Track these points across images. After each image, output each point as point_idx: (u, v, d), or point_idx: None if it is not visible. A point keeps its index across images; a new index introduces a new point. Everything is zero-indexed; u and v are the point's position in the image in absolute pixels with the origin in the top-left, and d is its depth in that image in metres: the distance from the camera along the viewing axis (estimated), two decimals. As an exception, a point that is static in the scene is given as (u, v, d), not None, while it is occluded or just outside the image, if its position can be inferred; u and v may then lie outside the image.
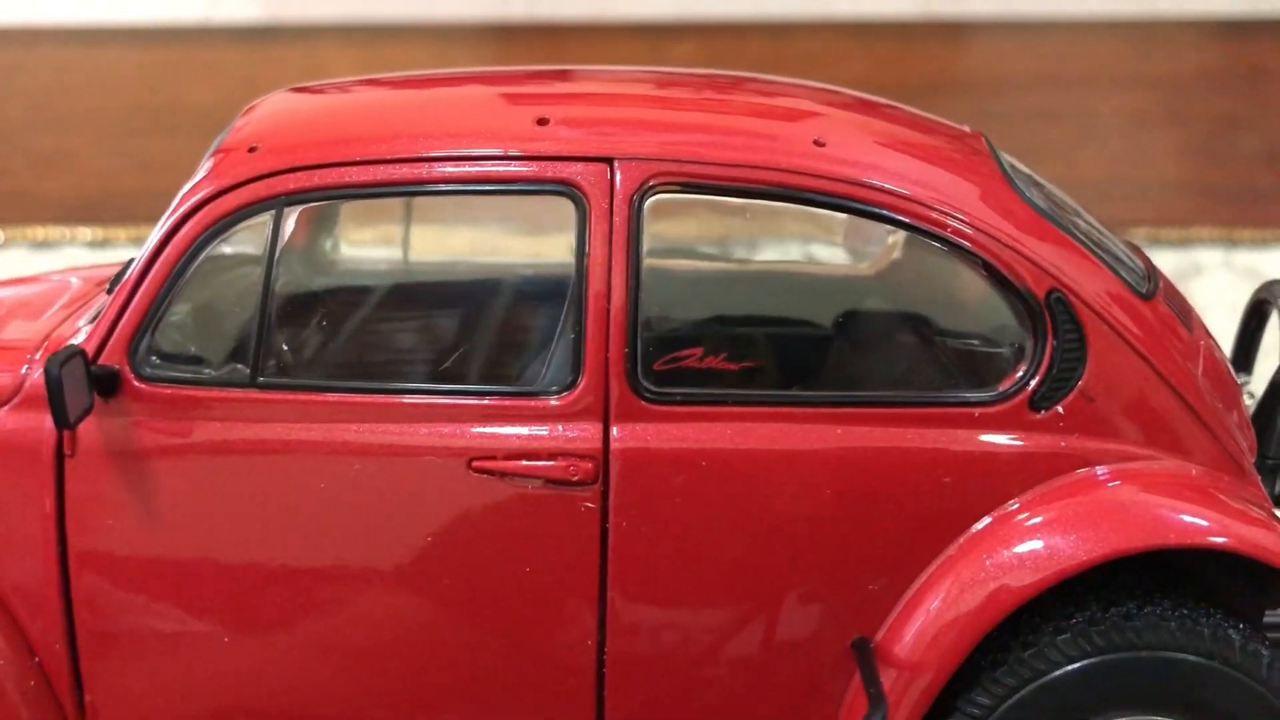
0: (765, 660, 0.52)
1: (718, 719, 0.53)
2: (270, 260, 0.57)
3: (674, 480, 0.53)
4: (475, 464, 0.54)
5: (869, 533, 0.52)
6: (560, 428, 0.53)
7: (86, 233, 1.58)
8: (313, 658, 0.57)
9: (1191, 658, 0.48)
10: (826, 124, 0.56)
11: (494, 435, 0.54)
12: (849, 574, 0.52)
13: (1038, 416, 0.51)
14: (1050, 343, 0.51)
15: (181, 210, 0.58)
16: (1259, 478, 0.53)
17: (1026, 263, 0.51)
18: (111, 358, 0.58)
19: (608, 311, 0.54)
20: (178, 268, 0.58)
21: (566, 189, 0.55)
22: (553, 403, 0.53)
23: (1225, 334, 1.38)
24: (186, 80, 1.83)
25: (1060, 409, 0.51)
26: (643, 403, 0.53)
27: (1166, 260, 1.45)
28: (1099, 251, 0.54)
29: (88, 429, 0.58)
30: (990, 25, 1.89)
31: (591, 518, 0.53)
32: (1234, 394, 0.55)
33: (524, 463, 0.53)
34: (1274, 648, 0.51)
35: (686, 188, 0.55)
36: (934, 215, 0.51)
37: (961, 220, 0.51)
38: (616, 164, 0.55)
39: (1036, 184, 0.61)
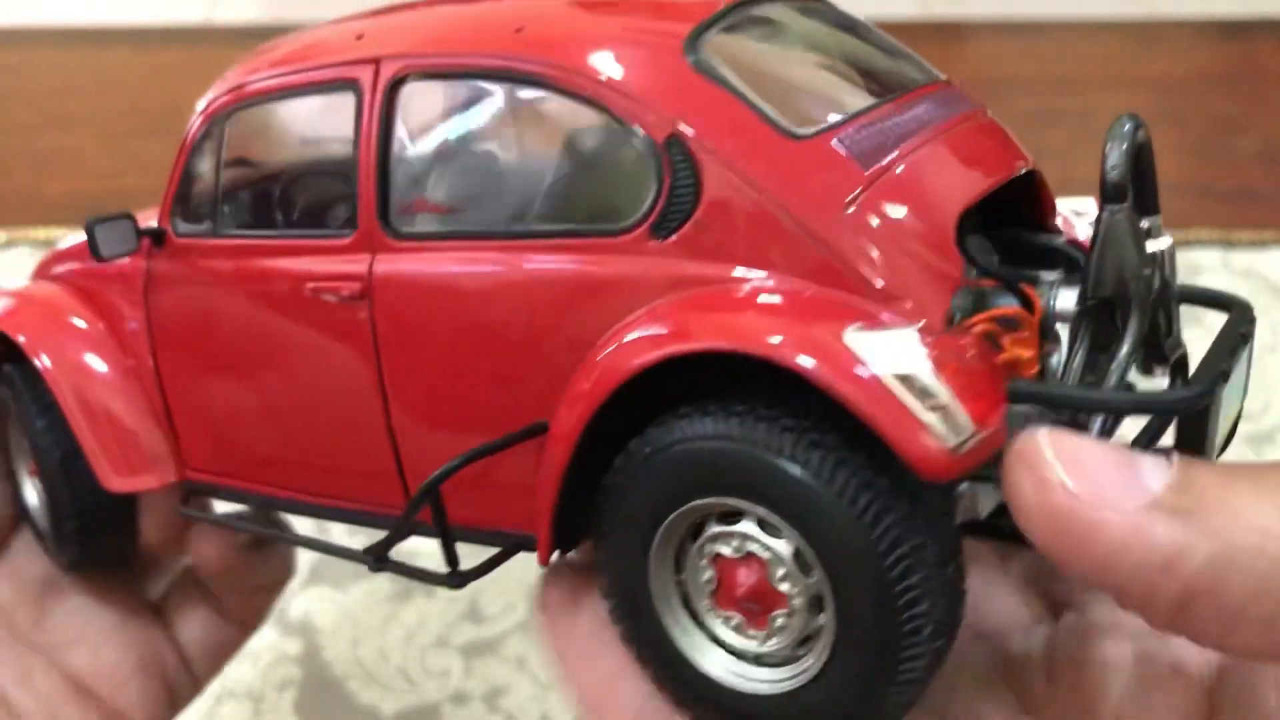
0: (491, 437, 0.66)
1: (477, 482, 0.68)
2: (217, 155, 0.80)
3: (407, 294, 0.70)
4: (307, 286, 0.73)
5: (540, 340, 0.64)
6: (349, 259, 0.71)
7: (88, 233, 1.58)
8: (255, 417, 0.79)
9: (742, 448, 0.56)
10: (539, 13, 0.69)
11: (318, 265, 0.73)
12: (531, 374, 0.64)
13: (658, 244, 0.60)
14: (668, 180, 0.59)
15: (190, 121, 0.83)
16: (922, 306, 0.57)
17: (651, 114, 0.60)
18: (164, 221, 0.82)
19: (368, 172, 0.71)
20: (186, 161, 0.82)
21: (350, 85, 0.72)
22: (346, 241, 0.72)
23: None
24: (188, 81, 1.83)
25: (676, 238, 0.59)
26: (390, 239, 0.70)
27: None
28: (756, 102, 0.60)
29: (155, 266, 0.82)
30: (990, 26, 1.89)
31: (365, 325, 0.71)
32: (921, 232, 0.59)
33: (330, 284, 0.72)
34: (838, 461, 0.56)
35: (423, 76, 0.70)
36: (578, 80, 0.62)
37: (600, 82, 0.62)
38: (381, 63, 0.71)
39: (754, 41, 0.69)
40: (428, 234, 0.69)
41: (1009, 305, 0.62)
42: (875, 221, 0.59)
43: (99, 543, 0.86)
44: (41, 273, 0.93)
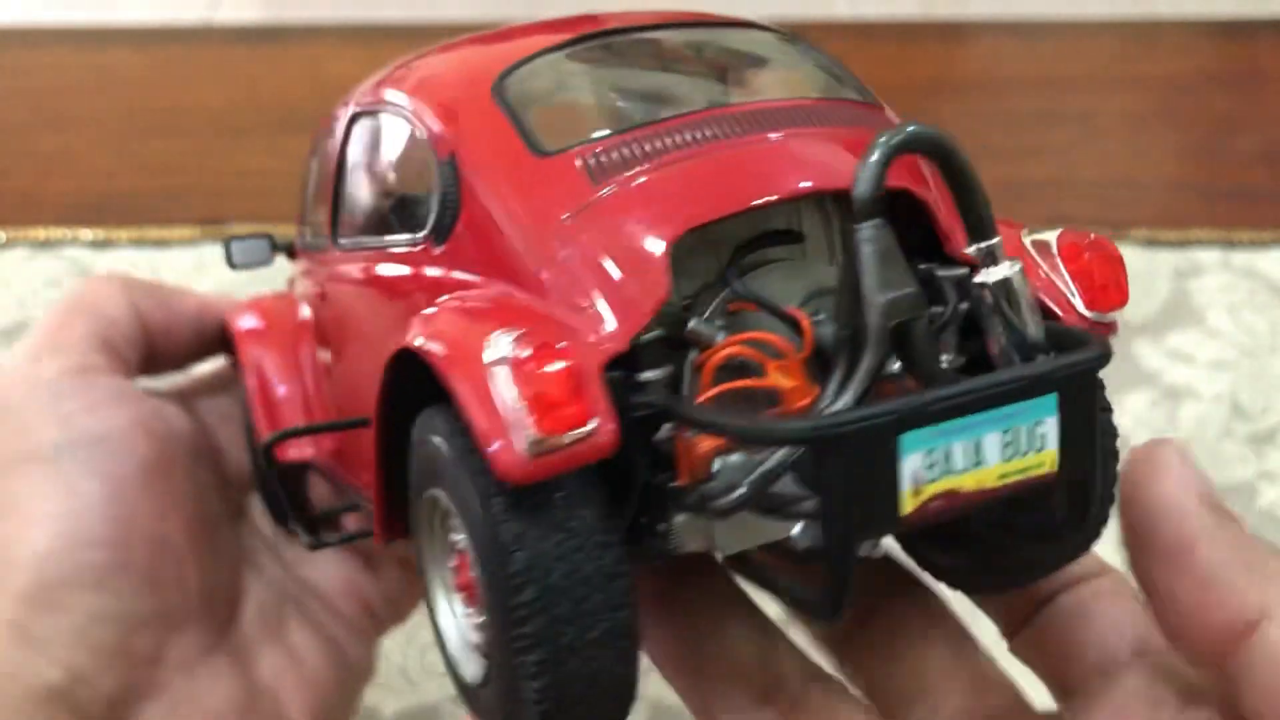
0: (362, 404, 0.73)
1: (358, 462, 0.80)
2: (307, 181, 0.93)
3: (329, 297, 0.83)
4: (317, 290, 0.86)
5: (379, 337, 0.72)
6: (324, 266, 0.84)
7: (88, 234, 1.57)
8: (353, 381, 0.87)
9: (438, 443, 0.59)
10: (436, 59, 0.75)
11: (316, 271, 0.86)
12: (376, 357, 0.70)
13: (436, 253, 0.66)
14: (442, 193, 0.65)
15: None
16: (606, 323, 0.59)
17: (440, 137, 0.66)
18: (296, 238, 0.96)
19: (330, 195, 0.83)
20: (302, 187, 0.95)
21: (337, 122, 0.83)
22: (323, 252, 0.85)
23: (1222, 331, 1.39)
24: (188, 81, 1.83)
25: (445, 248, 0.65)
26: (336, 251, 0.82)
27: (1165, 260, 1.45)
28: (521, 122, 0.65)
29: (293, 274, 0.98)
30: (990, 26, 1.89)
31: (326, 321, 0.84)
32: (626, 248, 0.60)
33: (317, 287, 0.85)
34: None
35: (359, 116, 0.80)
36: (408, 110, 0.71)
37: (421, 110, 0.69)
38: (350, 102, 0.81)
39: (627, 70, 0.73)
40: (345, 246, 0.81)
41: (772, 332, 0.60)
42: (581, 236, 0.60)
43: (280, 504, 1.04)
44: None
